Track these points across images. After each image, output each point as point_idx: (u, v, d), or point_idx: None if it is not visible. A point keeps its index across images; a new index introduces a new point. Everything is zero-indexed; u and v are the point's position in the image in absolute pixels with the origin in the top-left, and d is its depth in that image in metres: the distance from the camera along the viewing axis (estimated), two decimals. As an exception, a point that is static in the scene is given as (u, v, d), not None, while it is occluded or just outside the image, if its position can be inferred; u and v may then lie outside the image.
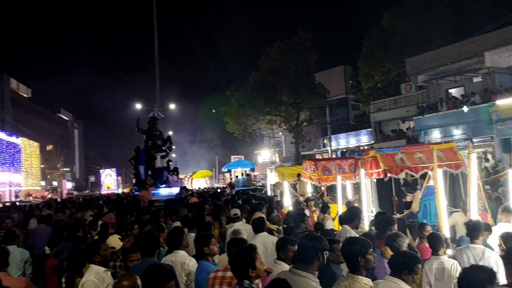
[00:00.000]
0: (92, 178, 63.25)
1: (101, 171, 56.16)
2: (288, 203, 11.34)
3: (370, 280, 3.29)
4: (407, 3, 30.56)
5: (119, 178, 58.31)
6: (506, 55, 20.99)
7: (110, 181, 53.95)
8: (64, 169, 59.83)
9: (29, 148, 44.34)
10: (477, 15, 26.16)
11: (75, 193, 46.00)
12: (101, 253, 4.23)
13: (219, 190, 21.78)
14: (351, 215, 5.81)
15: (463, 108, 22.38)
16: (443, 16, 28.74)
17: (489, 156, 22.61)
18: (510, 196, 5.49)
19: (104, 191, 49.16)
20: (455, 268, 4.06)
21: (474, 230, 4.55)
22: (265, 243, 5.25)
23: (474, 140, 21.59)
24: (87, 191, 51.72)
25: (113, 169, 55.76)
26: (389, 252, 4.21)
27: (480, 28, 21.73)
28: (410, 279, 3.24)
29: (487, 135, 21.86)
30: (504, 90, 21.71)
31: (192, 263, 4.39)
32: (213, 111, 38.76)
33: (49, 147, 54.57)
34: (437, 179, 6.08)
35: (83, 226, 8.00)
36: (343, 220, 5.92)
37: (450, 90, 25.97)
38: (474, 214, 5.37)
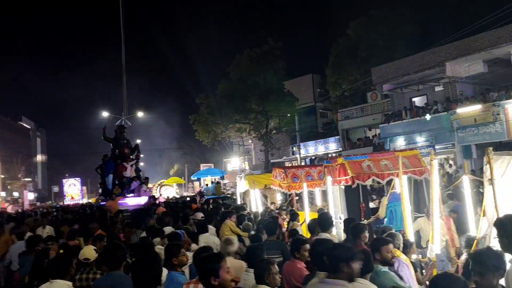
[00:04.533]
0: (56, 189, 61.27)
1: (64, 180, 54.40)
2: (258, 211, 11.37)
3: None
4: (372, 14, 31.43)
5: (84, 187, 56.71)
6: (466, 65, 21.88)
7: (74, 191, 52.35)
8: (26, 179, 57.68)
9: (-12, 157, 42.57)
10: (438, 27, 27.27)
11: (37, 204, 44.40)
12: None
13: (188, 199, 21.55)
14: (326, 223, 5.82)
15: (425, 116, 23.12)
16: (407, 27, 29.73)
17: (451, 162, 23.43)
18: (466, 202, 5.69)
19: (67, 201, 47.69)
20: None
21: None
22: (208, 243, 5.65)
23: (437, 147, 22.33)
24: (50, 202, 50.04)
25: (77, 178, 54.18)
26: None
27: (442, 39, 22.60)
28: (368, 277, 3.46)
29: (448, 142, 22.64)
30: (465, 99, 22.59)
31: (164, 274, 4.31)
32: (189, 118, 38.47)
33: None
34: (403, 185, 6.24)
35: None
36: (316, 227, 5.94)
37: (413, 99, 26.81)
38: (437, 219, 5.53)
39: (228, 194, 23.40)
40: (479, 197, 6.16)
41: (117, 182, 16.61)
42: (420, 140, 23.75)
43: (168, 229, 6.96)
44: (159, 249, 5.59)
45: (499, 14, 19.28)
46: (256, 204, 12.45)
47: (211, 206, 13.93)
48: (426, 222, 6.79)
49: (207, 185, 27.61)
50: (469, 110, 21.12)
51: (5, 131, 56.81)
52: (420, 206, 7.85)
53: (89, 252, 4.87)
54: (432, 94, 25.49)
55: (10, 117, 61.44)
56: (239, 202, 14.79)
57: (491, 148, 4.76)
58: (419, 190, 8.14)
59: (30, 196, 51.94)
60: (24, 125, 66.14)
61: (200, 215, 8.30)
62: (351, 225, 5.36)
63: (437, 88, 25.23)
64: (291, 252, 4.89)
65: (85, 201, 44.14)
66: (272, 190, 12.53)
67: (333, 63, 33.97)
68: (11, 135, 58.88)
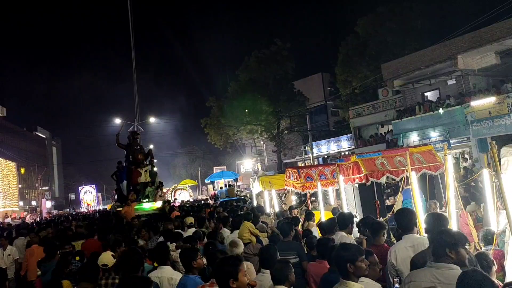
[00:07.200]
0: (73, 196, 62.11)
1: (79, 188, 55.15)
2: (273, 212, 11.37)
3: (362, 286, 3.23)
4: (380, 11, 31.19)
5: (99, 194, 57.39)
6: (478, 57, 21.56)
7: (90, 197, 53.04)
8: (43, 188, 58.56)
9: (5, 168, 43.33)
10: (448, 20, 26.88)
11: (54, 212, 45.03)
12: None
13: (202, 202, 21.67)
14: (345, 221, 5.78)
15: (439, 111, 22.86)
16: (416, 22, 29.43)
17: (467, 156, 23.10)
18: (486, 196, 5.60)
19: (84, 208, 48.30)
20: None
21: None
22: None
23: (451, 141, 22.04)
24: (67, 210, 50.74)
25: (92, 185, 54.86)
26: None
27: (452, 32, 22.30)
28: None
29: (463, 136, 22.33)
30: (478, 91, 22.28)
31: (179, 278, 4.36)
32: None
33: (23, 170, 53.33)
34: (412, 182, 6.18)
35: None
36: (331, 226, 5.89)
37: (425, 94, 26.52)
38: (454, 214, 5.47)
39: (242, 196, 23.45)
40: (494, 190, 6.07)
41: (131, 188, 16.74)
42: (434, 135, 23.47)
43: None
44: (175, 252, 5.64)
45: (509, 4, 19.00)
46: (271, 205, 12.46)
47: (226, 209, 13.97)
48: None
49: (221, 188, 27.71)
50: (483, 102, 20.82)
51: (21, 142, 57.76)
52: (442, 201, 7.76)
53: (107, 258, 4.93)
54: (444, 88, 25.19)
55: (26, 127, 62.48)
56: (255, 203, 14.80)
57: (494, 142, 4.70)
58: (434, 185, 8.07)
59: (48, 204, 52.72)
60: (40, 134, 67.17)
61: (190, 219, 8.41)
62: (370, 223, 5.33)
63: (450, 82, 24.92)
64: (318, 253, 4.87)
65: (101, 207, 44.67)
66: (288, 192, 12.52)
67: (342, 61, 33.80)
68: (27, 145, 59.85)
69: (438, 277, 3.04)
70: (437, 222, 3.88)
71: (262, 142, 44.46)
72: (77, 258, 6.16)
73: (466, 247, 3.21)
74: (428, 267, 3.18)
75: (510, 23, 19.80)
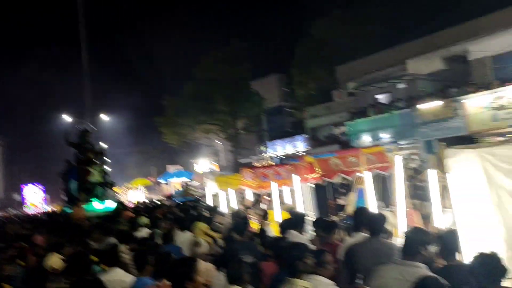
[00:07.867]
0: (17, 196, 59.07)
1: (24, 186, 52.15)
2: (229, 212, 11.33)
3: (309, 283, 3.34)
4: (335, 14, 31.91)
5: (46, 195, 54.94)
6: (426, 62, 22.55)
7: (36, 198, 50.59)
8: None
9: None
10: (401, 25, 27.91)
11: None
12: None
13: (156, 202, 21.25)
14: (297, 221, 5.86)
15: (389, 113, 23.65)
16: (370, 26, 30.32)
17: (415, 157, 24.06)
18: (433, 196, 5.85)
19: (29, 209, 46.03)
20: None
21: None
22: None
23: (401, 142, 22.84)
24: (11, 210, 48.19)
25: (39, 185, 52.38)
26: None
27: (403, 38, 23.18)
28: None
29: (412, 138, 23.21)
30: (426, 95, 23.26)
31: (130, 281, 4.25)
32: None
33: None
34: (367, 181, 6.37)
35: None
36: (287, 226, 5.96)
37: (377, 96, 27.37)
38: (403, 213, 5.68)
39: (197, 196, 23.20)
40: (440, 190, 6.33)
41: (82, 188, 16.17)
42: (385, 136, 24.25)
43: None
44: (126, 254, 5.49)
45: (456, 12, 20.02)
46: (226, 205, 12.42)
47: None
48: (391, 216, 6.93)
49: (176, 187, 27.33)
50: (430, 106, 21.76)
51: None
52: (391, 200, 8.02)
53: (55, 261, 4.74)
54: (395, 91, 26.07)
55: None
56: (210, 203, 14.68)
57: (443, 144, 4.92)
58: (384, 185, 8.33)
59: (-10, 205, 49.82)
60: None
61: (143, 220, 8.32)
62: (323, 222, 5.43)
63: (400, 86, 25.86)
64: (272, 253, 4.88)
65: (48, 208, 42.77)
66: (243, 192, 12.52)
67: (298, 62, 34.27)
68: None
69: (404, 275, 3.14)
70: (377, 220, 4.06)
71: (218, 142, 44.28)
72: (20, 262, 5.83)
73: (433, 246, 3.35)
74: (396, 264, 3.27)
75: (456, 30, 20.86)
